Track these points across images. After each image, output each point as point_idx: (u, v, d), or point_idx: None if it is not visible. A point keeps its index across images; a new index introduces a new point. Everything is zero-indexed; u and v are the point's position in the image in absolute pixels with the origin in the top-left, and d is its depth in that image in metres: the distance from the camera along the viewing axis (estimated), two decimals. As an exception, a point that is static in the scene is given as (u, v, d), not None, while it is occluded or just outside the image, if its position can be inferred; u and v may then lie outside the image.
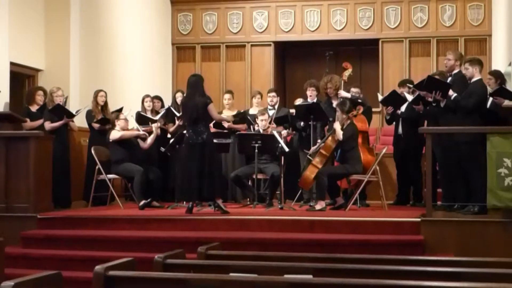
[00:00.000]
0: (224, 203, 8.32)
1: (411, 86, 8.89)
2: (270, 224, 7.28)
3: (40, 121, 8.85)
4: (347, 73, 9.14)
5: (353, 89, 9.15)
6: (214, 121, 9.13)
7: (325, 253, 5.25)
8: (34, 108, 9.02)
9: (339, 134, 8.14)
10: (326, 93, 9.14)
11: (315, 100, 9.17)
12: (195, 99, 7.82)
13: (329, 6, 13.24)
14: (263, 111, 9.24)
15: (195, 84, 7.91)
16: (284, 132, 9.21)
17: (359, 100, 8.93)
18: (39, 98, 9.04)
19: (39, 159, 7.82)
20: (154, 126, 9.24)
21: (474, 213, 7.21)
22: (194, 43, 13.74)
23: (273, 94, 9.80)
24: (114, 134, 8.83)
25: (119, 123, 8.94)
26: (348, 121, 8.28)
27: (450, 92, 7.61)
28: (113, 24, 11.51)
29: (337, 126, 8.19)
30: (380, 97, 9.36)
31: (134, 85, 11.66)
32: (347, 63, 9.32)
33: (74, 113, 9.06)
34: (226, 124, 9.41)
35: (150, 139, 9.12)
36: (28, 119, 8.71)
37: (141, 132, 9.04)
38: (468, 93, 7.52)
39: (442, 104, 7.69)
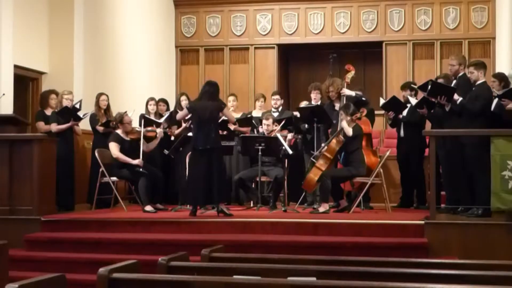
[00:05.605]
0: (227, 206, 8.33)
1: (415, 86, 8.89)
2: (274, 226, 7.29)
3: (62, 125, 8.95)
4: (349, 75, 9.12)
5: (356, 92, 9.16)
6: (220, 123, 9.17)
7: (329, 255, 5.23)
8: (49, 112, 9.07)
9: (348, 130, 8.13)
10: (328, 96, 9.16)
11: (319, 103, 9.20)
12: (207, 103, 7.88)
13: (333, 8, 13.22)
14: (268, 115, 9.13)
15: (212, 93, 8.00)
16: (290, 135, 9.20)
17: (364, 99, 8.95)
18: (53, 102, 9.09)
19: (42, 162, 7.83)
20: (158, 131, 9.19)
21: (478, 215, 7.20)
22: (198, 46, 13.72)
23: (277, 97, 9.82)
24: (113, 149, 8.70)
25: (122, 127, 8.88)
26: (353, 124, 8.28)
27: (456, 96, 7.59)
28: (117, 27, 11.53)
29: (344, 124, 8.18)
30: (381, 102, 9.36)
31: (138, 88, 11.66)
32: (349, 65, 9.30)
33: (81, 116, 9.08)
34: (232, 127, 9.41)
35: (152, 144, 9.08)
36: (43, 122, 8.93)
37: (137, 162, 8.68)
38: (474, 96, 7.50)
39: (447, 109, 7.68)
